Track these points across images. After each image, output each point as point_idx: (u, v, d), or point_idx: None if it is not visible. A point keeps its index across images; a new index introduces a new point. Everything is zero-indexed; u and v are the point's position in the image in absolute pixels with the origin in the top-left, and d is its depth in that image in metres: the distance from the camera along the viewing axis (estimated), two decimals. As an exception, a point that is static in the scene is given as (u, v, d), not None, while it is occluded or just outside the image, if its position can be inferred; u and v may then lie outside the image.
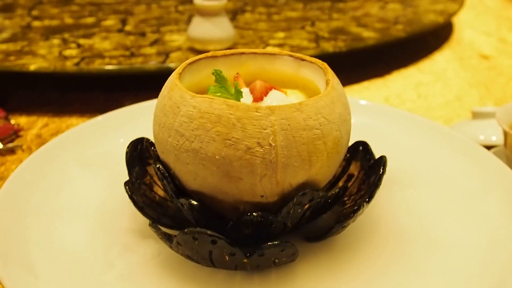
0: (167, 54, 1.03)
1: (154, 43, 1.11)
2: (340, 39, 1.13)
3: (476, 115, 0.85)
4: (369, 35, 1.16)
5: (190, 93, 0.46)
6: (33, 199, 0.57)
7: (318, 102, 0.46)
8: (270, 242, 0.45)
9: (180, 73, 0.50)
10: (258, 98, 0.50)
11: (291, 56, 0.56)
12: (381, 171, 0.53)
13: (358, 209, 0.49)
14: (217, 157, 0.44)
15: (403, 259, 0.52)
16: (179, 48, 1.07)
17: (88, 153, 0.66)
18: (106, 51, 1.06)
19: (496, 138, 0.80)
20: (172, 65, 0.97)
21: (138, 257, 0.52)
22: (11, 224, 0.53)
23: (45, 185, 0.60)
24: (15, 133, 0.88)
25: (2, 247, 0.49)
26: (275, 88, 0.51)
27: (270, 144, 0.43)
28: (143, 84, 1.01)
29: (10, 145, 0.83)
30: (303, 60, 0.55)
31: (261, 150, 0.43)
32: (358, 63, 1.16)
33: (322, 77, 0.52)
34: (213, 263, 0.47)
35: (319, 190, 0.47)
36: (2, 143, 0.83)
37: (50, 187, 0.60)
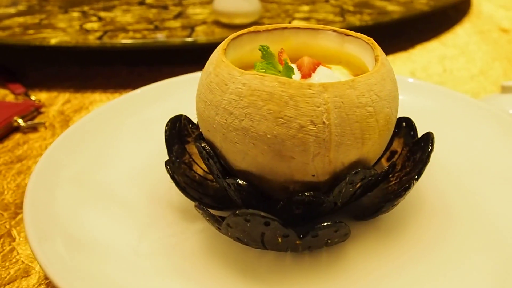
0: (192, 28, 1.01)
1: (177, 16, 1.09)
2: (366, 12, 1.12)
3: (505, 89, 0.84)
4: (394, 9, 1.14)
5: (238, 70, 0.44)
6: (68, 175, 0.56)
7: (369, 79, 0.44)
8: (322, 222, 0.44)
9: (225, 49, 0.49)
10: (306, 75, 0.48)
11: (334, 31, 0.54)
12: (430, 148, 0.51)
13: (409, 187, 0.48)
14: (268, 135, 0.42)
15: (451, 234, 0.51)
16: (204, 22, 1.05)
17: (125, 127, 0.65)
18: (129, 24, 1.04)
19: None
20: (199, 39, 0.94)
21: (179, 236, 0.51)
22: (45, 202, 0.52)
23: (81, 161, 0.59)
24: (37, 110, 0.85)
25: (37, 224, 0.48)
26: (322, 64, 0.50)
27: (323, 122, 0.42)
28: (166, 58, 1.00)
29: (31, 122, 0.81)
30: (347, 35, 0.54)
31: (315, 128, 0.42)
32: (381, 37, 1.14)
33: (368, 52, 0.51)
34: (264, 245, 0.45)
35: (370, 168, 0.46)
36: (23, 121, 0.80)
37: (86, 163, 0.59)
